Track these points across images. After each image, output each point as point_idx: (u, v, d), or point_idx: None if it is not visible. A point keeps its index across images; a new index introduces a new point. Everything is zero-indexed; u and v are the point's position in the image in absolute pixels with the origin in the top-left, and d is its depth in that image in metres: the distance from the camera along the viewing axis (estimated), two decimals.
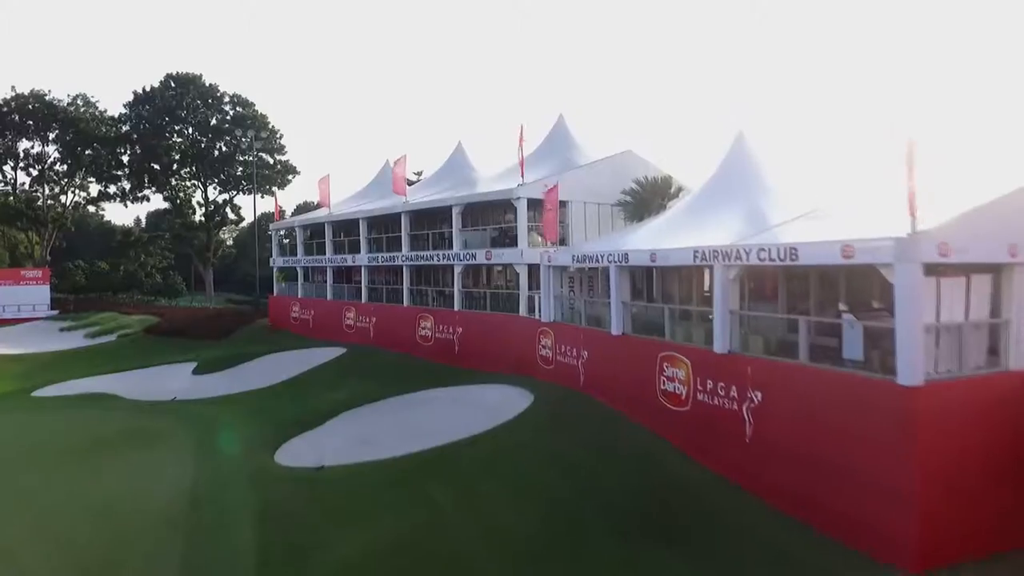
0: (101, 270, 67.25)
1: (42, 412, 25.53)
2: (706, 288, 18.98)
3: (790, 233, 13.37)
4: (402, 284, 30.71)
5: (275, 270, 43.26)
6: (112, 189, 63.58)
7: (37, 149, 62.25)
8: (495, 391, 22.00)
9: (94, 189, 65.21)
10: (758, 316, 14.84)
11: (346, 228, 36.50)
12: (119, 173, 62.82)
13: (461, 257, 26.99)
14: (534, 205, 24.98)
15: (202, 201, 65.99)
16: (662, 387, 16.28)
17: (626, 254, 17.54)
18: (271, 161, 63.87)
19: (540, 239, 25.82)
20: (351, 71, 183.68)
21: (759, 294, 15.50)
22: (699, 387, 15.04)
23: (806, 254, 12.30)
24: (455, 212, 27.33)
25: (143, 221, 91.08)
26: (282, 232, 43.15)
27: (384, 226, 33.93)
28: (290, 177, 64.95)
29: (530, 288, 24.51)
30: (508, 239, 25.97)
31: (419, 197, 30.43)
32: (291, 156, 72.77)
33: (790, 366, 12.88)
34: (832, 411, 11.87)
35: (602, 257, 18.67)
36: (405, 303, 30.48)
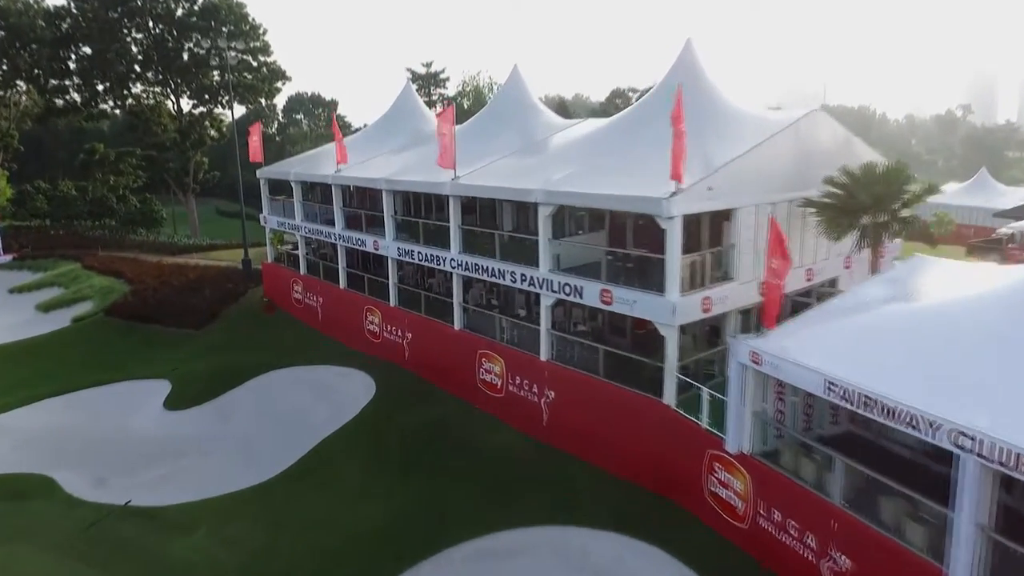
0: (65, 193, 56.85)
1: None
2: None
3: None
4: (452, 296, 21.29)
5: (267, 231, 33.36)
6: (60, 103, 51.65)
7: None
8: (645, 563, 13.33)
9: (41, 102, 53.34)
10: None
11: (361, 190, 26.55)
12: (67, 83, 50.72)
13: (555, 287, 17.40)
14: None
15: (174, 113, 54.38)
16: None
17: (987, 443, 8.14)
18: (254, 64, 51.66)
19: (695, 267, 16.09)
20: None
21: None
22: None
23: None
24: (543, 214, 17.35)
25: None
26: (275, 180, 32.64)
27: (422, 204, 24.03)
28: (279, 84, 52.94)
29: (680, 357, 15.22)
30: (637, 268, 16.29)
31: (473, 173, 20.12)
32: (278, 56, 59.96)
33: None
34: None
35: (922, 422, 9.23)
36: (457, 325, 21.18)
